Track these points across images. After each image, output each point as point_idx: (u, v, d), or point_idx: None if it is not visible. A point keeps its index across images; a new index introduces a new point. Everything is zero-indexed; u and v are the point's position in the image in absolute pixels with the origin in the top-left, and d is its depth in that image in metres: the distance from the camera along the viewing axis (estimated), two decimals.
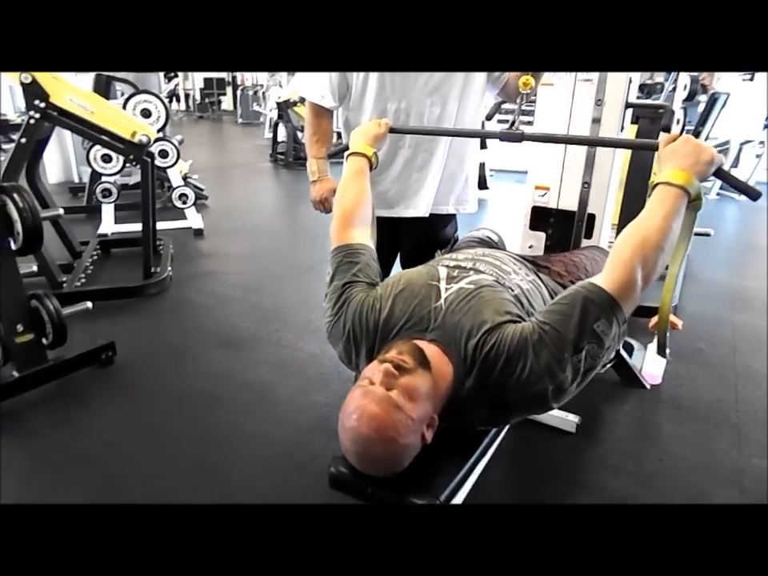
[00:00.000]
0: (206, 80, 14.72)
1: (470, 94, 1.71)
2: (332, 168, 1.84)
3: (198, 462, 1.89)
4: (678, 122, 6.09)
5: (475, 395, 1.07)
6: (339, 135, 1.90)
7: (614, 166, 2.08)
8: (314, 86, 1.74)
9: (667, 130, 2.01)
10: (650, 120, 2.42)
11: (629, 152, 2.33)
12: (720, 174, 1.09)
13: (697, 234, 4.07)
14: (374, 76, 1.66)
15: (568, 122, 2.06)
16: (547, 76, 2.08)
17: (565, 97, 2.05)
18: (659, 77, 7.28)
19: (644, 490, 1.77)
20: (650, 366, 2.37)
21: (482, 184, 5.56)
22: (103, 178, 4.14)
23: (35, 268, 2.99)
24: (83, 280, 3.30)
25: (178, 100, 14.10)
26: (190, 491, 1.75)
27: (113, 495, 1.72)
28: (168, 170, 4.34)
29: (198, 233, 4.48)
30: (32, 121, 2.85)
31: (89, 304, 2.51)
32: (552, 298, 1.41)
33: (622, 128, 2.02)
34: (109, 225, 4.27)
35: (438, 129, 1.70)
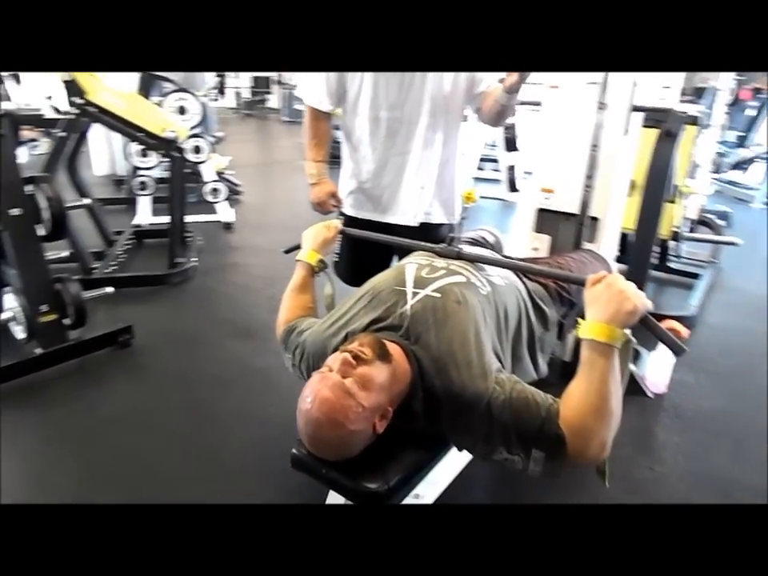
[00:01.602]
0: (255, 78, 15.01)
1: (456, 108, 1.76)
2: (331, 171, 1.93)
3: (191, 439, 1.99)
4: (722, 127, 5.89)
5: (423, 405, 1.12)
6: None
7: (619, 169, 2.07)
8: (311, 90, 1.80)
9: (671, 134, 1.98)
10: None
11: (645, 154, 2.30)
12: (645, 322, 1.03)
13: (723, 243, 3.94)
14: (368, 85, 1.71)
15: (572, 125, 2.05)
16: (553, 78, 2.09)
17: (570, 99, 2.05)
18: (713, 80, 6.99)
19: (628, 496, 1.76)
20: (655, 374, 2.33)
21: (513, 186, 5.51)
22: (140, 172, 4.33)
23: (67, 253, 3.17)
24: (114, 267, 3.47)
25: (223, 94, 14.32)
26: (179, 465, 1.85)
27: (107, 466, 1.84)
28: (200, 165, 4.50)
29: (228, 226, 4.63)
30: (71, 116, 3.04)
31: (109, 289, 2.66)
32: (531, 297, 1.43)
33: (627, 131, 2.00)
34: (145, 216, 4.45)
35: (383, 237, 1.63)
